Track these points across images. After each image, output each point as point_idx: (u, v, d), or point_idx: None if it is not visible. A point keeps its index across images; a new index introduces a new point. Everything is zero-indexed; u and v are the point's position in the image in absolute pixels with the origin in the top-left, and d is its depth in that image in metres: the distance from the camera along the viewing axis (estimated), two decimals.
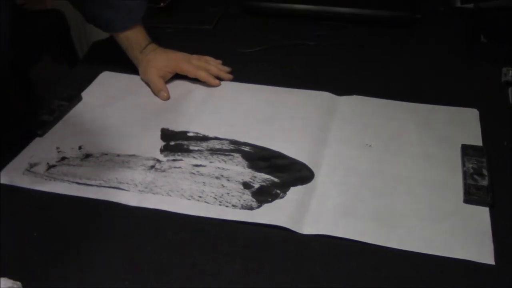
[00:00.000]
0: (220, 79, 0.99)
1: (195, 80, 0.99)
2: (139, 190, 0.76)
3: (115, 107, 0.94)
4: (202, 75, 0.98)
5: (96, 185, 0.77)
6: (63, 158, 0.82)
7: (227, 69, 1.01)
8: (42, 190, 0.76)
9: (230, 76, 1.00)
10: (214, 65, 1.01)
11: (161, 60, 0.99)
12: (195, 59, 1.01)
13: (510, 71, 0.99)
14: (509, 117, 0.90)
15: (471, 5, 1.16)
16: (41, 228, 0.71)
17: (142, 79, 1.01)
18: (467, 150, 0.81)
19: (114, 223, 0.71)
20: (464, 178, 0.76)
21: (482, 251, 0.65)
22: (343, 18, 1.17)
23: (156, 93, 0.97)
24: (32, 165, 0.81)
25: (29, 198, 0.75)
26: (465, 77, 1.00)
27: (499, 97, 0.94)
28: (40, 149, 0.84)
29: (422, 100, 0.93)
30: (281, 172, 0.78)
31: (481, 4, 1.13)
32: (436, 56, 1.06)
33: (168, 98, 0.96)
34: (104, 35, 1.11)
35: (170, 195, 0.75)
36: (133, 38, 1.00)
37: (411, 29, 1.16)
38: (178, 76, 1.00)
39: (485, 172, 0.76)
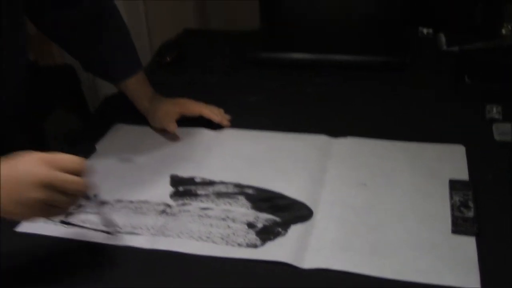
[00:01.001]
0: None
1: (201, 128, 1.07)
2: (152, 234, 0.82)
3: (127, 157, 1.01)
4: (206, 111, 1.07)
5: (112, 232, 0.83)
6: (80, 206, 0.89)
7: (228, 117, 1.09)
8: (61, 237, 0.83)
9: (228, 124, 1.08)
10: (216, 112, 1.08)
11: (168, 105, 1.08)
12: (200, 104, 1.09)
13: (494, 108, 1.06)
14: (494, 152, 0.96)
15: (456, 48, 1.24)
16: (61, 272, 0.77)
17: (152, 126, 1.08)
18: (454, 185, 0.87)
19: (129, 265, 0.77)
20: (452, 210, 0.82)
21: (469, 277, 0.71)
22: (337, 65, 1.26)
23: (165, 126, 1.05)
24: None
25: (49, 244, 0.82)
26: (452, 115, 1.07)
27: (484, 133, 1.01)
28: None
29: (412, 138, 1.00)
30: (282, 211, 0.85)
31: (465, 46, 1.21)
32: (424, 97, 1.14)
33: (175, 128, 1.04)
34: (114, 90, 1.20)
35: (180, 237, 0.81)
36: (140, 90, 1.09)
37: (401, 73, 1.24)
38: (184, 124, 1.07)
39: (471, 204, 0.82)
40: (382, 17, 1.46)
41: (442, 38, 1.31)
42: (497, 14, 1.30)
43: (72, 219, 0.86)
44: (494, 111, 1.06)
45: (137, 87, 1.09)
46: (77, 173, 0.70)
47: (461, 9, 1.39)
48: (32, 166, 0.67)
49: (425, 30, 1.40)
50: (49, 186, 0.67)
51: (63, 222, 0.86)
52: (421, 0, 1.48)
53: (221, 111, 1.10)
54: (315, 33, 1.40)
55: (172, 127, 1.04)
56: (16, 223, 0.85)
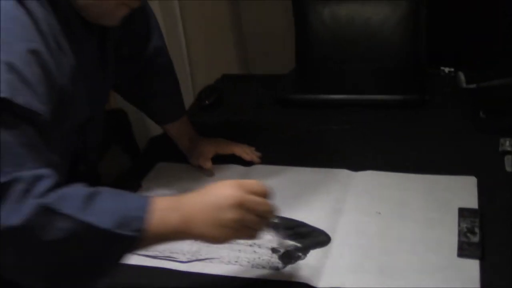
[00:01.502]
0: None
1: (233, 165, 1.19)
2: (187, 258, 0.93)
3: (167, 191, 1.14)
4: (237, 150, 1.20)
5: (153, 256, 0.95)
6: None
7: (258, 154, 1.21)
8: None
9: (258, 160, 1.19)
10: (247, 151, 1.20)
11: (205, 145, 1.21)
12: (234, 144, 1.22)
13: (507, 141, 1.13)
14: (504, 182, 1.02)
15: (474, 85, 1.31)
16: None
17: (192, 163, 1.21)
18: (462, 212, 0.94)
19: (169, 285, 0.89)
20: (459, 236, 0.89)
21: None
22: (361, 104, 1.36)
23: (202, 164, 1.17)
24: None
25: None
26: (466, 149, 1.14)
27: (497, 165, 1.08)
28: None
29: (427, 171, 1.08)
30: (303, 238, 0.94)
31: (482, 83, 1.29)
32: (441, 132, 1.22)
33: (210, 166, 1.17)
34: (159, 132, 1.34)
35: (212, 262, 0.92)
36: (183, 131, 1.23)
37: (421, 110, 1.32)
38: (220, 161, 1.19)
39: (477, 230, 0.89)
40: (405, 59, 1.56)
41: (462, 76, 1.38)
42: None
43: None
44: (507, 144, 1.12)
45: (180, 129, 1.23)
46: (263, 196, 0.78)
47: (481, 48, 1.46)
48: (226, 189, 0.76)
49: (446, 69, 1.48)
50: (243, 207, 0.75)
51: None
52: (443, 41, 1.56)
53: (252, 149, 1.22)
54: (341, 74, 1.51)
55: (208, 165, 1.17)
56: None
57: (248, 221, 0.76)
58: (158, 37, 1.17)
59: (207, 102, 1.50)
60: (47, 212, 0.67)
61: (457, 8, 1.79)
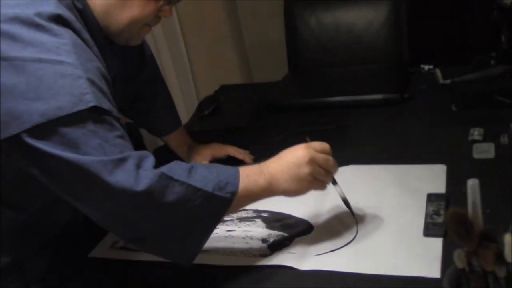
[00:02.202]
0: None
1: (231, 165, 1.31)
2: None
3: None
4: (231, 150, 1.33)
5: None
6: None
7: (251, 157, 1.33)
8: (122, 259, 1.08)
9: (251, 160, 1.32)
10: (240, 151, 1.34)
11: (201, 149, 1.34)
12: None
13: (476, 131, 1.23)
14: (471, 168, 1.13)
15: (448, 81, 1.42)
16: (124, 283, 1.02)
17: None
18: (430, 197, 1.05)
19: (171, 275, 1.01)
20: (425, 218, 1.00)
21: (432, 270, 0.89)
22: (345, 105, 1.47)
23: None
24: (115, 242, 1.13)
25: (113, 265, 1.07)
26: (439, 140, 1.25)
27: (466, 153, 1.18)
28: None
29: (403, 162, 1.19)
30: (290, 228, 1.07)
31: (456, 79, 1.39)
32: (417, 126, 1.33)
33: None
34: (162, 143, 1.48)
35: (209, 253, 1.04)
36: (180, 141, 1.36)
37: (401, 106, 1.43)
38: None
39: (442, 212, 1.00)
40: (387, 60, 1.68)
41: (438, 73, 1.49)
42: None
43: (129, 246, 1.11)
44: (476, 133, 1.23)
45: (178, 139, 1.36)
46: (327, 153, 0.99)
47: (457, 46, 1.56)
48: (299, 151, 0.96)
49: (426, 67, 1.59)
50: (315, 163, 0.95)
51: (123, 248, 1.11)
52: (424, 41, 1.67)
53: (247, 152, 1.34)
54: (327, 78, 1.63)
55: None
56: (89, 250, 1.11)
57: (320, 174, 0.96)
58: (152, 62, 1.31)
59: (206, 112, 1.63)
60: (165, 178, 0.87)
61: (436, 9, 1.90)
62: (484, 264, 0.61)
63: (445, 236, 0.95)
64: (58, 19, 0.87)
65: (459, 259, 0.64)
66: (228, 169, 0.96)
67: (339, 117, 1.44)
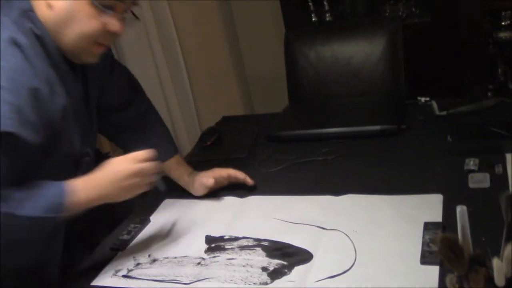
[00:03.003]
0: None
1: (230, 197, 1.34)
2: (190, 280, 1.08)
3: (173, 224, 1.29)
4: (231, 172, 1.36)
5: (160, 280, 1.10)
6: (138, 264, 1.16)
7: (251, 180, 1.37)
8: (123, 287, 1.10)
9: (252, 182, 1.36)
10: (241, 174, 1.37)
11: (203, 175, 1.37)
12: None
13: (471, 161, 1.26)
14: (467, 197, 1.15)
15: (444, 113, 1.46)
16: None
17: (194, 193, 1.37)
18: (427, 226, 1.08)
19: None
20: (422, 246, 1.02)
21: None
22: (343, 136, 1.51)
23: (205, 183, 1.35)
24: (117, 271, 1.15)
25: None
26: (435, 170, 1.28)
27: (462, 182, 1.21)
28: (122, 259, 1.19)
29: (400, 192, 1.22)
30: (289, 257, 1.08)
31: (451, 111, 1.43)
32: (413, 156, 1.36)
33: (212, 182, 1.34)
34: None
35: (210, 281, 1.06)
36: (180, 169, 1.39)
37: (398, 137, 1.47)
38: (216, 195, 1.35)
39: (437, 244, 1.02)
40: (385, 92, 1.72)
41: (434, 104, 1.53)
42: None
43: (132, 274, 1.13)
44: (471, 163, 1.25)
45: (176, 166, 1.39)
46: (148, 160, 1.09)
47: (453, 79, 1.60)
48: (118, 165, 1.08)
49: (423, 99, 1.63)
50: (138, 174, 1.08)
51: (125, 276, 1.13)
52: (419, 74, 1.71)
53: (246, 176, 1.38)
54: (326, 110, 1.67)
55: (210, 181, 1.34)
56: (92, 278, 1.13)
57: (139, 183, 1.09)
58: (143, 98, 1.38)
59: (208, 142, 1.66)
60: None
61: (432, 43, 1.95)
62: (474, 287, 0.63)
63: (441, 264, 0.97)
64: (11, 43, 0.97)
65: (450, 283, 0.66)
66: (54, 187, 1.03)
67: (338, 147, 1.47)
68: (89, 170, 1.20)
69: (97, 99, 1.26)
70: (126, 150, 1.42)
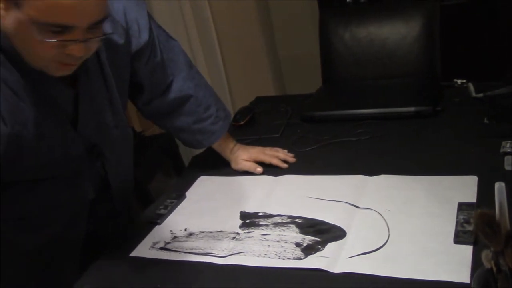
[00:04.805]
0: (287, 162, 1.39)
1: (264, 176, 1.36)
2: (225, 254, 1.11)
3: (208, 200, 1.32)
4: (274, 161, 1.40)
5: (196, 253, 1.13)
6: (175, 237, 1.20)
7: (292, 155, 1.41)
8: (161, 259, 1.14)
9: (294, 159, 1.40)
10: (282, 152, 1.41)
11: (244, 154, 1.42)
12: (268, 150, 1.43)
13: (508, 144, 1.25)
14: (503, 179, 1.15)
15: (481, 95, 1.44)
16: (163, 282, 1.07)
17: (233, 167, 1.42)
18: (461, 206, 1.08)
19: (210, 276, 1.06)
20: (456, 226, 1.03)
21: (461, 275, 0.91)
22: (378, 117, 1.51)
23: (253, 171, 1.38)
24: (155, 243, 1.19)
25: (153, 264, 1.13)
26: (471, 152, 1.27)
27: (498, 165, 1.20)
28: (159, 232, 1.23)
29: (435, 173, 1.22)
30: (323, 233, 1.10)
31: (488, 93, 1.41)
32: (450, 138, 1.35)
33: (262, 171, 1.37)
34: (201, 150, 1.54)
35: (245, 255, 1.09)
36: (224, 145, 1.43)
37: (434, 119, 1.46)
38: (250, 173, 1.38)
39: (472, 220, 1.03)
40: (420, 74, 1.71)
41: (471, 87, 1.51)
42: None
43: (169, 246, 1.17)
44: (508, 146, 1.24)
45: (222, 144, 1.43)
46: None
47: (491, 61, 1.57)
48: None
49: (459, 81, 1.61)
50: None
51: (162, 248, 1.17)
52: (456, 56, 1.69)
53: (285, 151, 1.43)
54: (361, 91, 1.67)
55: (259, 170, 1.39)
56: (130, 249, 1.17)
57: None
58: (182, 84, 1.34)
59: (242, 122, 1.68)
60: None
61: (469, 24, 1.92)
62: (510, 264, 0.64)
63: (475, 243, 0.98)
64: None
65: (486, 259, 0.67)
66: None
67: (372, 128, 1.48)
68: (113, 161, 1.23)
69: (127, 84, 1.24)
70: (175, 135, 1.46)
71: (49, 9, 0.86)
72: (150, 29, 1.23)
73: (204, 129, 1.39)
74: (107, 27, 1.04)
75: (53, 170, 1.11)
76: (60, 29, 0.89)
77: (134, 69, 1.24)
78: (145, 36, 1.20)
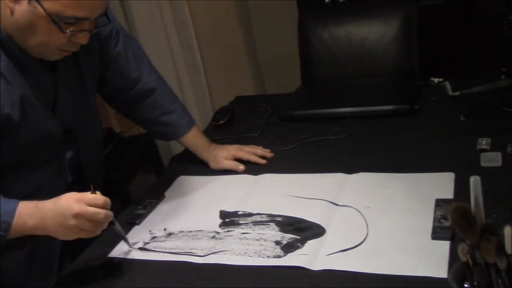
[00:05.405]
0: (265, 158, 1.41)
1: (243, 175, 1.36)
2: (204, 253, 1.10)
3: (188, 199, 1.31)
4: (253, 158, 1.41)
5: (176, 253, 1.12)
6: (154, 237, 1.19)
7: (269, 150, 1.43)
8: (140, 259, 1.13)
9: (272, 155, 1.42)
10: (259, 149, 1.42)
11: (223, 152, 1.42)
12: (246, 147, 1.44)
13: (484, 141, 1.27)
14: (479, 175, 1.16)
15: (457, 93, 1.46)
16: (142, 282, 1.06)
17: (213, 167, 1.41)
18: (438, 202, 1.09)
19: (190, 275, 1.06)
20: (434, 222, 1.04)
21: (439, 270, 0.92)
22: (356, 115, 1.52)
23: (235, 169, 1.38)
24: (134, 244, 1.18)
25: (132, 265, 1.12)
26: (448, 149, 1.29)
27: (474, 161, 1.22)
28: (138, 232, 1.22)
29: (413, 170, 1.23)
30: (302, 231, 1.10)
31: (465, 91, 1.43)
32: (426, 136, 1.36)
33: (244, 169, 1.38)
34: (180, 151, 1.53)
35: (225, 254, 1.09)
36: (198, 143, 1.43)
37: (411, 117, 1.47)
38: (229, 172, 1.38)
39: (449, 216, 1.04)
40: (398, 73, 1.72)
41: (448, 85, 1.53)
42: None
43: (148, 246, 1.16)
44: (484, 143, 1.26)
45: (194, 140, 1.42)
46: (101, 207, 1.02)
47: (467, 60, 1.60)
48: (69, 202, 1.01)
49: (436, 80, 1.63)
50: (81, 217, 1.00)
51: (141, 249, 1.16)
52: (433, 56, 1.71)
53: (261, 148, 1.44)
54: (339, 90, 1.68)
55: (241, 168, 1.39)
56: (109, 250, 1.16)
57: (86, 226, 1.01)
58: (149, 76, 1.38)
59: (221, 121, 1.68)
60: None
61: (446, 24, 1.95)
62: (486, 257, 0.65)
63: (452, 239, 0.99)
64: None
65: (462, 252, 0.68)
66: (7, 205, 1.02)
67: (351, 127, 1.48)
68: (86, 152, 1.26)
69: (96, 79, 1.28)
70: (143, 127, 1.46)
71: (73, 4, 0.98)
72: (114, 18, 1.28)
73: (172, 122, 1.40)
74: None
75: (33, 153, 1.12)
76: (74, 21, 1.01)
77: (103, 56, 1.28)
78: (112, 24, 1.22)
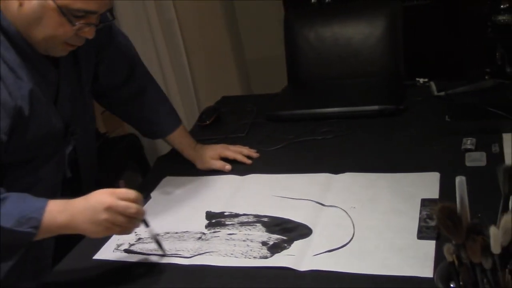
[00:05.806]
0: (251, 158, 1.41)
1: (230, 175, 1.35)
2: (191, 254, 1.09)
3: (173, 200, 1.31)
4: (239, 157, 1.41)
5: (162, 254, 1.11)
6: (139, 239, 1.18)
7: (255, 150, 1.43)
8: (125, 261, 1.12)
9: (258, 155, 1.42)
10: (245, 148, 1.42)
11: (210, 151, 1.42)
12: (232, 147, 1.43)
13: (468, 141, 1.28)
14: (464, 174, 1.17)
15: (443, 93, 1.47)
16: (128, 284, 1.05)
17: (200, 167, 1.40)
18: (424, 202, 1.10)
19: (175, 277, 1.05)
20: (419, 221, 1.04)
21: (424, 270, 0.92)
22: (342, 115, 1.52)
23: (222, 169, 1.38)
24: (119, 245, 1.17)
25: (117, 266, 1.11)
26: (433, 149, 1.29)
27: (459, 161, 1.23)
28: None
29: (399, 170, 1.23)
30: (289, 232, 1.10)
31: (449, 91, 1.44)
32: (412, 136, 1.37)
33: (230, 169, 1.37)
34: (166, 151, 1.52)
35: (211, 255, 1.08)
36: (185, 142, 1.42)
37: (397, 117, 1.48)
38: (216, 172, 1.37)
39: (434, 216, 1.04)
40: (384, 73, 1.73)
41: (433, 85, 1.54)
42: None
43: (133, 248, 1.15)
44: (469, 143, 1.27)
45: (181, 139, 1.42)
46: (132, 201, 1.00)
47: (450, 61, 1.61)
48: (101, 196, 0.99)
49: (421, 80, 1.64)
50: (113, 210, 0.98)
51: (126, 250, 1.15)
52: (418, 56, 1.72)
53: (246, 150, 1.43)
54: (326, 90, 1.68)
55: (228, 168, 1.39)
56: (94, 252, 1.15)
57: (118, 221, 0.98)
58: (141, 74, 1.38)
59: (207, 122, 1.67)
60: None
61: (431, 25, 1.96)
62: (471, 256, 0.65)
63: (438, 238, 0.99)
64: None
65: (448, 252, 0.68)
66: (36, 202, 0.99)
67: (337, 127, 1.49)
68: (83, 148, 1.25)
69: (92, 74, 1.28)
70: (131, 124, 1.46)
71: None
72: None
73: (159, 120, 1.40)
74: None
75: (37, 150, 1.12)
76: (84, 14, 1.02)
77: (98, 51, 1.28)
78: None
